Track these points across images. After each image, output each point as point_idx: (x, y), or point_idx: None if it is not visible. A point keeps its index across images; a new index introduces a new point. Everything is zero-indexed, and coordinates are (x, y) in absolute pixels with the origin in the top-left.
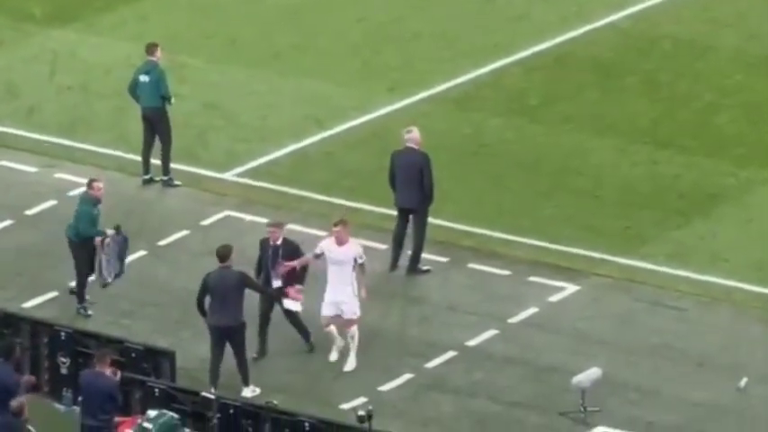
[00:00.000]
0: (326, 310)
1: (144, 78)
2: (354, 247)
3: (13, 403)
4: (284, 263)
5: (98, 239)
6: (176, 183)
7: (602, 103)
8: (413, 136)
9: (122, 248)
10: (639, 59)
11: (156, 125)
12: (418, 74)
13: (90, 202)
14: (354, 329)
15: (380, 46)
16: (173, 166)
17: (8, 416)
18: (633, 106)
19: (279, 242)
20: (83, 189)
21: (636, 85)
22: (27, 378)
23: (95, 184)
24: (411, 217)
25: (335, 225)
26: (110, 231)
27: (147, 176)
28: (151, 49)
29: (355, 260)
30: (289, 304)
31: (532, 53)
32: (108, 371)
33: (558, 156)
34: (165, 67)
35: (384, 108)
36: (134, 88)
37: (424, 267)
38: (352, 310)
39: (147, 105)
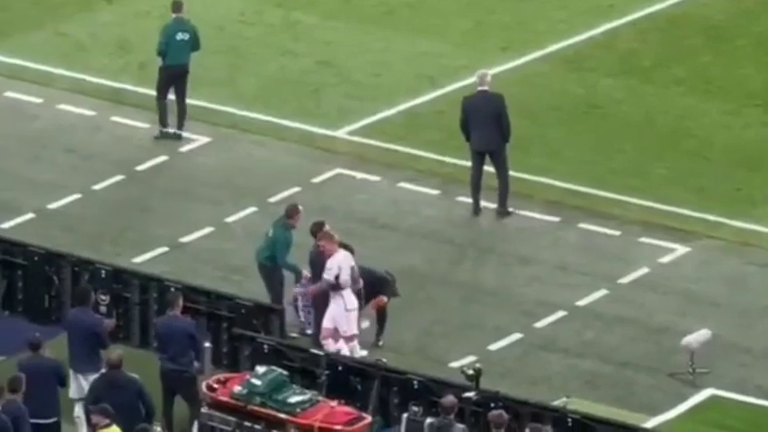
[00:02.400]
0: (327, 323)
1: (182, 36)
2: (330, 260)
3: (112, 355)
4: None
5: (297, 290)
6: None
7: (713, 66)
8: (488, 80)
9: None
10: (751, 22)
11: (184, 81)
12: (531, 33)
13: (288, 228)
14: (353, 345)
15: (494, 5)
16: (285, 122)
17: (107, 369)
18: (744, 69)
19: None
20: (193, 146)
21: (747, 47)
22: (108, 322)
23: (297, 216)
24: (490, 159)
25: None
26: (306, 273)
27: (166, 129)
28: (179, 6)
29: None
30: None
31: (646, 14)
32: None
33: (669, 117)
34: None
35: (496, 67)
36: (166, 47)
37: (510, 209)
38: (344, 327)
39: (180, 63)
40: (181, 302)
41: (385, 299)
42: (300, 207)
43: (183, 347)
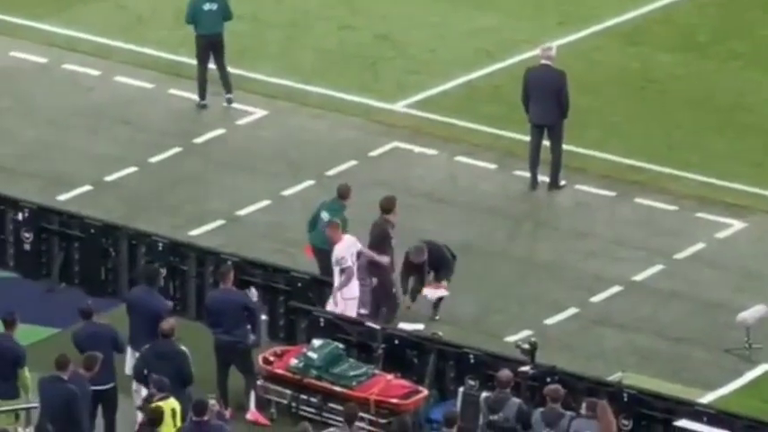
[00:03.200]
0: (330, 307)
1: (210, 6)
2: (337, 249)
3: (164, 324)
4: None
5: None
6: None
7: None
8: (551, 54)
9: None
10: None
11: (219, 50)
12: (589, 8)
13: (343, 209)
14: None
15: None
16: (342, 96)
17: (159, 338)
18: None
19: (424, 258)
20: (250, 119)
21: None
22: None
23: (350, 195)
24: (547, 133)
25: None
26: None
27: (204, 102)
28: None
29: (337, 263)
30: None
31: None
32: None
33: (727, 92)
34: None
35: (554, 41)
36: (194, 17)
37: (562, 182)
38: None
39: (211, 32)
40: (232, 275)
41: (444, 290)
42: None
43: (237, 320)
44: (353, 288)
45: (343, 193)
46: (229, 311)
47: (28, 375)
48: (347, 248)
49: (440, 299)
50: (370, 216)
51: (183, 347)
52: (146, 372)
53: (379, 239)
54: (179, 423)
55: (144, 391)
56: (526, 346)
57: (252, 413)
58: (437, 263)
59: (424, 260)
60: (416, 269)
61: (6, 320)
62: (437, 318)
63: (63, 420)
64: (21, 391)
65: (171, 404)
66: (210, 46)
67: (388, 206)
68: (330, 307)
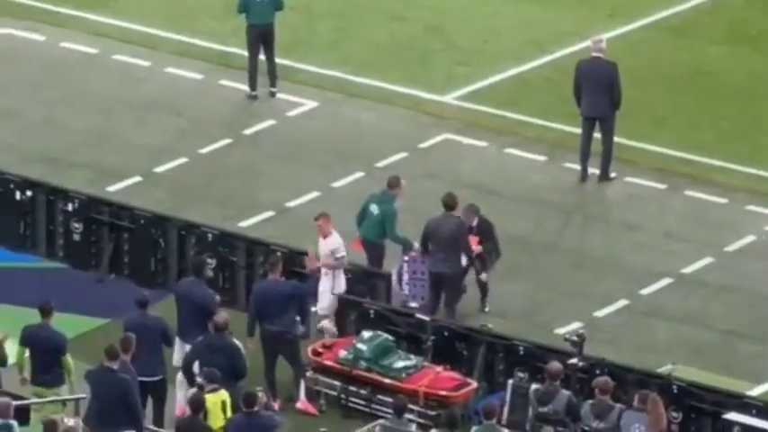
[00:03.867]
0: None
1: None
2: (333, 240)
3: (218, 318)
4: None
5: (404, 262)
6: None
7: None
8: (602, 46)
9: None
10: None
11: (269, 40)
12: (638, 1)
13: (393, 201)
14: (324, 323)
15: None
16: (393, 88)
17: (212, 331)
18: None
19: (474, 224)
20: (300, 110)
21: None
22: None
23: (400, 187)
24: (599, 125)
25: (316, 219)
26: (415, 245)
27: (254, 92)
28: None
29: (333, 254)
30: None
31: None
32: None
33: None
34: None
35: (603, 34)
36: (246, 6)
37: (612, 175)
38: (321, 305)
39: (263, 22)
40: (281, 266)
41: (479, 248)
42: (403, 180)
43: (284, 310)
44: (341, 284)
45: (393, 185)
46: (277, 302)
47: (71, 361)
48: (341, 241)
49: (485, 286)
50: (419, 207)
51: (237, 341)
52: (196, 365)
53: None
54: (229, 414)
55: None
56: (575, 338)
57: (302, 402)
58: (485, 234)
59: (472, 224)
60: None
61: (43, 309)
62: (486, 310)
63: (118, 411)
64: (66, 377)
65: (221, 396)
66: (262, 36)
67: (451, 203)
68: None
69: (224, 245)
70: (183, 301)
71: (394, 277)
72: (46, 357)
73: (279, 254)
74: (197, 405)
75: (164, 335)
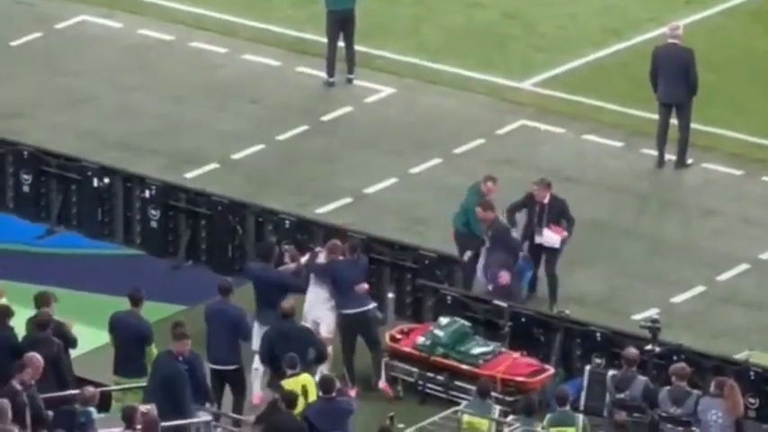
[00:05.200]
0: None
1: None
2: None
3: (285, 305)
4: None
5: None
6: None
7: None
8: (679, 33)
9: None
10: None
11: (349, 26)
12: None
13: (480, 194)
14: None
15: None
16: (470, 74)
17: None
18: None
19: (546, 200)
20: (378, 97)
21: None
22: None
23: (488, 183)
24: (675, 111)
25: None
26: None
27: (332, 79)
28: None
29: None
30: (546, 235)
31: None
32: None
33: None
34: None
35: (680, 20)
36: None
37: (689, 161)
38: (328, 328)
39: (344, 8)
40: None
41: (563, 235)
42: (494, 180)
43: (354, 290)
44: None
45: (485, 180)
46: (352, 282)
47: (155, 351)
48: None
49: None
50: (497, 194)
51: (306, 324)
52: (271, 353)
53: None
54: (311, 398)
55: (261, 369)
56: (652, 324)
57: (383, 383)
58: (560, 212)
59: (544, 201)
60: (536, 206)
61: (133, 297)
62: (556, 307)
63: (166, 398)
64: (148, 369)
65: (302, 380)
66: (341, 22)
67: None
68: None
69: (301, 231)
70: (256, 284)
71: (479, 266)
72: (130, 346)
73: (360, 240)
74: (290, 399)
75: (239, 324)
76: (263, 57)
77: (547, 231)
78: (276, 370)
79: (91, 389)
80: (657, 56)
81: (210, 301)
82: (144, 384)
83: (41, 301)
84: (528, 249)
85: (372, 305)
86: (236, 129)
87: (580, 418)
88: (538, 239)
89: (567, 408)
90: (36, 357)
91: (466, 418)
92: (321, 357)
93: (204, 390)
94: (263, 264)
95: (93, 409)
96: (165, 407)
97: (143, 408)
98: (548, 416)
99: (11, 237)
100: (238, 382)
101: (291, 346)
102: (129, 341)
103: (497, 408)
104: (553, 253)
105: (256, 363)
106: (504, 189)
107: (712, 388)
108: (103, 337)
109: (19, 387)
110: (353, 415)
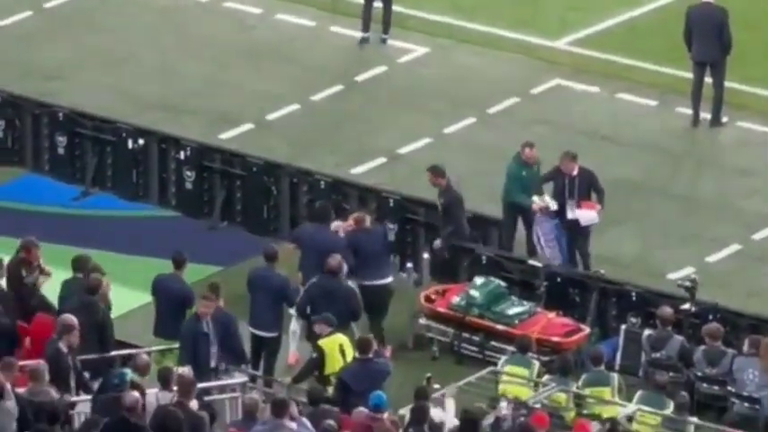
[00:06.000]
0: None
1: None
2: None
3: (332, 261)
4: None
5: (534, 207)
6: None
7: None
8: None
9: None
10: None
11: None
12: None
13: (520, 163)
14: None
15: None
16: (504, 33)
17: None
18: None
19: (574, 173)
20: (412, 56)
21: None
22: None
23: (526, 150)
24: (709, 70)
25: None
26: (547, 200)
27: (367, 35)
28: None
29: None
30: (581, 215)
31: None
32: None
33: None
34: None
35: None
36: None
37: (724, 119)
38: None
39: None
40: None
41: (597, 212)
42: (531, 146)
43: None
44: None
45: (522, 147)
46: (377, 250)
47: None
48: None
49: (586, 230)
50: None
51: (351, 283)
52: (309, 308)
53: None
54: (349, 358)
55: (299, 332)
56: (687, 283)
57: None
58: (589, 184)
59: (573, 173)
60: (564, 178)
61: (177, 260)
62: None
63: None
64: None
65: (338, 339)
66: None
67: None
68: None
69: (336, 192)
70: (306, 245)
71: (534, 239)
72: (172, 309)
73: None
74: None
75: (284, 293)
76: (298, 17)
77: (580, 211)
78: (308, 322)
79: (144, 357)
80: (691, 15)
81: (255, 267)
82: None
83: (79, 264)
84: (560, 225)
85: (391, 279)
86: (270, 89)
87: (615, 377)
88: (570, 215)
89: (602, 367)
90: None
91: (507, 368)
92: (355, 317)
93: (239, 351)
94: (318, 225)
95: (128, 371)
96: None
97: (179, 369)
98: (583, 376)
99: (46, 199)
100: (273, 349)
101: (331, 303)
102: (170, 304)
103: (536, 363)
104: (586, 231)
105: (294, 325)
106: (539, 149)
107: (746, 347)
108: (139, 299)
109: (65, 349)
110: (390, 376)
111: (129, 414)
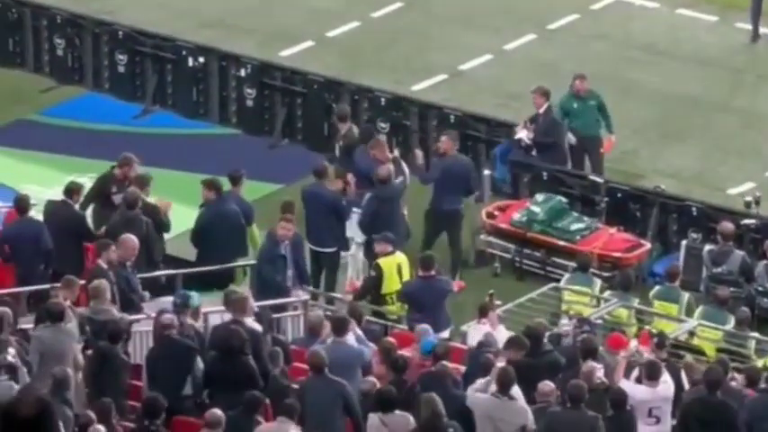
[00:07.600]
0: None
1: None
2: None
3: (381, 171)
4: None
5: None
6: None
7: None
8: None
9: None
10: None
11: None
12: None
13: (570, 96)
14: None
15: None
16: None
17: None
18: None
19: (541, 111)
20: None
21: None
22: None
23: (576, 82)
24: None
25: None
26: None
27: None
28: None
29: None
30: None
31: None
32: None
33: None
34: None
35: None
36: None
37: None
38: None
39: None
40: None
41: None
42: (582, 78)
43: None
44: None
45: (574, 78)
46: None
47: (256, 232)
48: None
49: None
50: (590, 69)
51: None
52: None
53: None
54: (406, 277)
55: (360, 257)
56: (750, 198)
57: (457, 284)
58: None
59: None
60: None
61: (233, 177)
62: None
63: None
64: (250, 249)
65: (397, 259)
66: None
67: None
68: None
69: (397, 109)
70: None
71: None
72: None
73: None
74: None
75: (336, 208)
76: None
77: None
78: (369, 234)
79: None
80: None
81: (306, 185)
82: (244, 264)
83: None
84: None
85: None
86: (330, 6)
87: (686, 296)
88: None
89: (677, 284)
90: (128, 238)
91: (566, 294)
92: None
93: (302, 270)
94: (361, 146)
95: (194, 293)
96: (257, 285)
97: (236, 288)
98: (656, 287)
99: (107, 117)
100: (333, 264)
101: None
102: (230, 222)
103: (599, 281)
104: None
105: (353, 249)
106: (596, 65)
107: None
108: None
109: (105, 266)
110: (451, 294)
111: (169, 331)
